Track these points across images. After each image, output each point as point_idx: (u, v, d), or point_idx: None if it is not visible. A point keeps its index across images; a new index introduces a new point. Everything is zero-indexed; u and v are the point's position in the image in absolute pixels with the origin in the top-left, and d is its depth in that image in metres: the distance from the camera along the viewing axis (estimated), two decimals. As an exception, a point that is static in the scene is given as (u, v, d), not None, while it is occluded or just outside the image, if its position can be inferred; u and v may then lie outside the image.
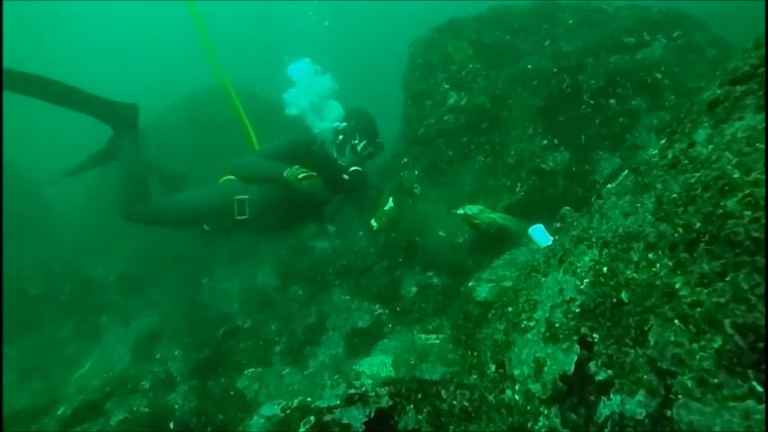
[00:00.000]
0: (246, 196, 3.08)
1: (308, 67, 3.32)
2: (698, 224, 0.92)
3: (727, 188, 0.89)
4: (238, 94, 3.52)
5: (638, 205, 1.12)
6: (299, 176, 2.68)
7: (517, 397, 1.22)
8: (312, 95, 3.20)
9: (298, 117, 3.26)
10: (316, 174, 2.72)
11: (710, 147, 0.99)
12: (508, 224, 2.67)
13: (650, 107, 2.83)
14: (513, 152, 3.01)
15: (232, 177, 3.26)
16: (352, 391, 1.22)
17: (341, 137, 3.11)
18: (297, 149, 3.00)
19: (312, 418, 1.16)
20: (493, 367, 1.39)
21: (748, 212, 0.83)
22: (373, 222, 2.86)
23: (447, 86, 3.73)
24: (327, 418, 1.15)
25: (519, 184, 2.93)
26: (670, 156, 1.11)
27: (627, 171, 1.30)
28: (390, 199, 2.88)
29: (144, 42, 27.43)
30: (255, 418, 1.54)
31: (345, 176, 3.01)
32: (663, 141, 1.22)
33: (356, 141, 3.08)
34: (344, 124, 3.13)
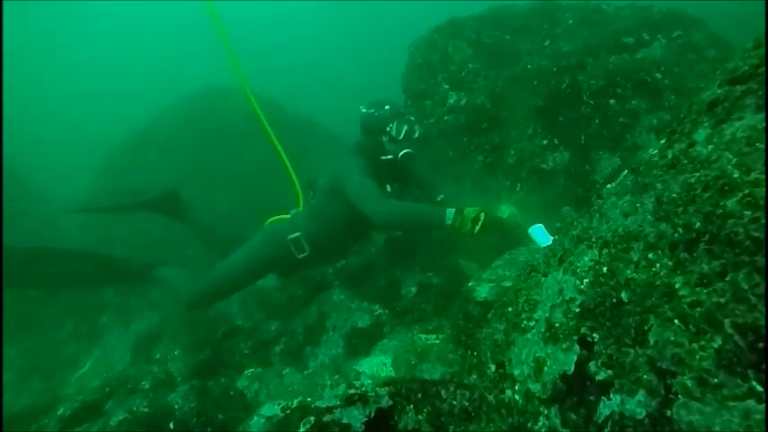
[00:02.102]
0: (299, 233, 2.95)
1: None
2: (698, 224, 0.92)
3: (726, 188, 0.89)
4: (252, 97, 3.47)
5: (638, 205, 1.12)
6: (476, 230, 2.27)
7: (517, 397, 1.22)
8: None
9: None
10: (480, 210, 2.33)
11: (710, 147, 0.99)
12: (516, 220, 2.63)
13: (650, 107, 2.83)
14: (512, 152, 3.01)
15: (280, 217, 3.15)
16: (352, 391, 1.22)
17: (372, 137, 2.91)
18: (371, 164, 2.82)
19: (312, 418, 1.16)
20: (493, 367, 1.39)
21: (748, 212, 0.83)
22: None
23: (447, 86, 3.72)
24: (327, 418, 1.15)
25: (519, 184, 2.93)
26: (670, 156, 1.11)
27: (627, 171, 1.29)
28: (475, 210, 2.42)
29: (144, 42, 27.42)
30: (255, 418, 1.54)
31: (398, 156, 2.78)
32: (663, 141, 1.22)
33: (389, 128, 2.83)
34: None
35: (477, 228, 2.30)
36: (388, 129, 2.84)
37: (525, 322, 1.31)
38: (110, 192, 3.62)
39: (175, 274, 3.20)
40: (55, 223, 5.98)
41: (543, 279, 1.36)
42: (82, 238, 5.75)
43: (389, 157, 2.86)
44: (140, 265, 3.21)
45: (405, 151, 2.80)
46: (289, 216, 3.12)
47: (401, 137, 2.83)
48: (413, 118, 2.90)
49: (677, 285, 0.92)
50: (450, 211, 2.38)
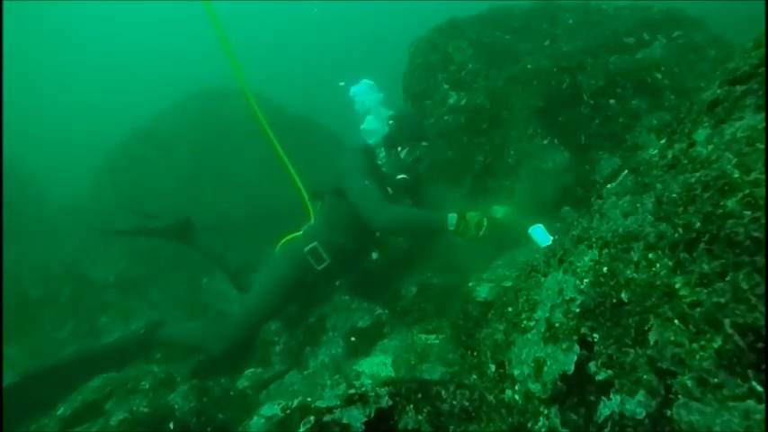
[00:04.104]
0: (314, 242, 2.91)
1: (373, 93, 3.14)
2: (698, 224, 0.92)
3: (726, 188, 0.89)
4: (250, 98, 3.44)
5: (638, 205, 1.12)
6: (480, 234, 2.34)
7: (517, 397, 1.22)
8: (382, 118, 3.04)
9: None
10: (483, 214, 2.39)
11: (710, 147, 0.99)
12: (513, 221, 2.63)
13: (650, 107, 2.82)
14: (512, 152, 3.01)
15: (292, 236, 3.10)
16: (352, 391, 1.22)
17: (383, 147, 2.97)
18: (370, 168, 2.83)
19: (312, 418, 1.16)
20: (493, 367, 1.39)
21: (748, 212, 0.83)
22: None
23: (447, 86, 3.72)
24: (327, 418, 1.15)
25: (519, 185, 2.93)
26: (670, 156, 1.11)
27: (627, 171, 1.29)
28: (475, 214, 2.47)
29: (144, 42, 27.43)
30: (255, 418, 1.54)
31: (389, 189, 2.85)
32: (663, 141, 1.22)
33: (399, 148, 2.92)
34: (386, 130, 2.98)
35: (482, 232, 2.33)
36: (399, 148, 2.93)
37: (525, 322, 1.31)
38: (126, 211, 3.60)
39: (183, 328, 3.04)
40: (53, 225, 5.99)
41: (543, 279, 1.36)
42: (81, 239, 5.76)
43: (380, 164, 2.93)
44: (137, 338, 3.01)
45: (400, 177, 2.85)
46: (301, 233, 3.09)
47: (408, 159, 2.91)
48: (427, 144, 2.98)
49: (677, 285, 0.92)
50: (453, 217, 2.37)
